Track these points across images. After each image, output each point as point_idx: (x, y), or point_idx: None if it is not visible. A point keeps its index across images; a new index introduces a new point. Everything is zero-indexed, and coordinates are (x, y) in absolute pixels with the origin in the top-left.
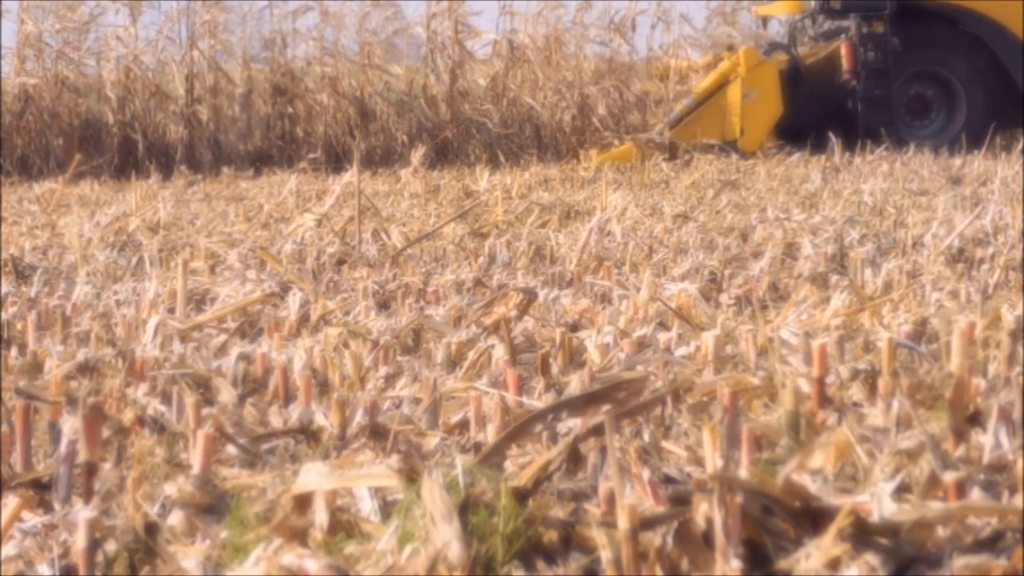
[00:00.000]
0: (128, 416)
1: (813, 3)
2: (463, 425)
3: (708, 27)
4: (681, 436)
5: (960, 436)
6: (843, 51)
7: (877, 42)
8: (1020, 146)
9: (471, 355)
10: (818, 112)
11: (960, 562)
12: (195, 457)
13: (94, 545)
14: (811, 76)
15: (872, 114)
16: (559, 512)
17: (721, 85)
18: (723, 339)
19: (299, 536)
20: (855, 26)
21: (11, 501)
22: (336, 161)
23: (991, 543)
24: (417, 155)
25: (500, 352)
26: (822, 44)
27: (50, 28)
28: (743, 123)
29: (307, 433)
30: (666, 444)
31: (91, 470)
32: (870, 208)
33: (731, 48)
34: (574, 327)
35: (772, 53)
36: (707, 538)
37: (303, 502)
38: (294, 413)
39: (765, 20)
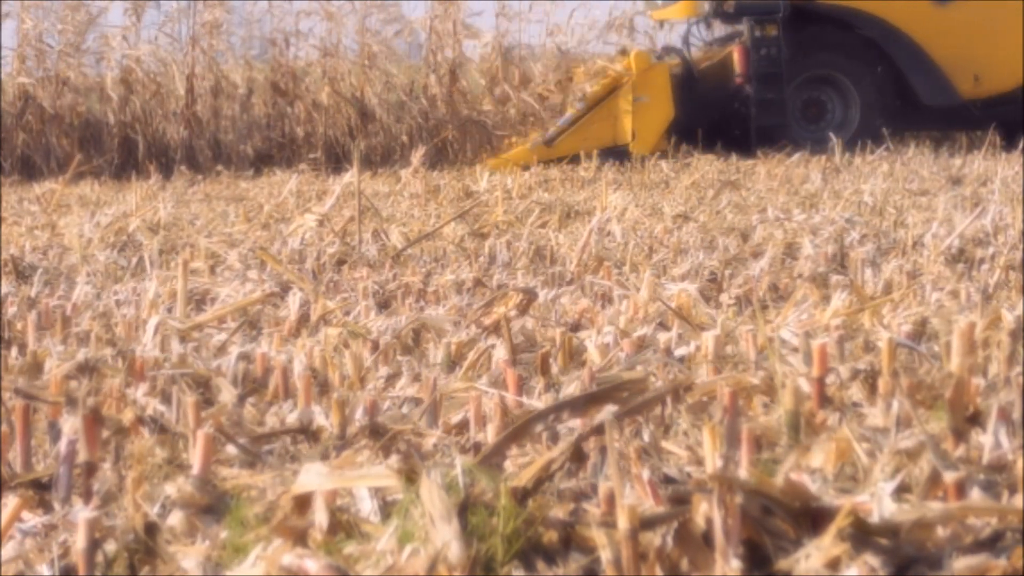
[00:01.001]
0: (128, 416)
1: (707, 7)
2: (463, 425)
3: (608, 31)
4: (681, 436)
5: (960, 436)
6: (735, 55)
7: (770, 46)
8: (1020, 146)
9: (471, 355)
10: (713, 116)
11: (960, 562)
12: (195, 457)
13: (94, 545)
14: (706, 80)
15: (765, 117)
16: (559, 512)
17: (613, 89)
18: (723, 339)
19: (299, 536)
20: (748, 30)
21: (11, 501)
22: (336, 161)
23: (991, 543)
24: (417, 155)
25: (500, 352)
26: (717, 48)
27: (51, 28)
28: (635, 126)
29: (307, 433)
30: (666, 444)
31: (91, 470)
32: (870, 208)
33: (624, 52)
34: (574, 327)
35: (666, 57)
36: (707, 538)
37: (303, 502)
38: (294, 413)
39: (663, 24)
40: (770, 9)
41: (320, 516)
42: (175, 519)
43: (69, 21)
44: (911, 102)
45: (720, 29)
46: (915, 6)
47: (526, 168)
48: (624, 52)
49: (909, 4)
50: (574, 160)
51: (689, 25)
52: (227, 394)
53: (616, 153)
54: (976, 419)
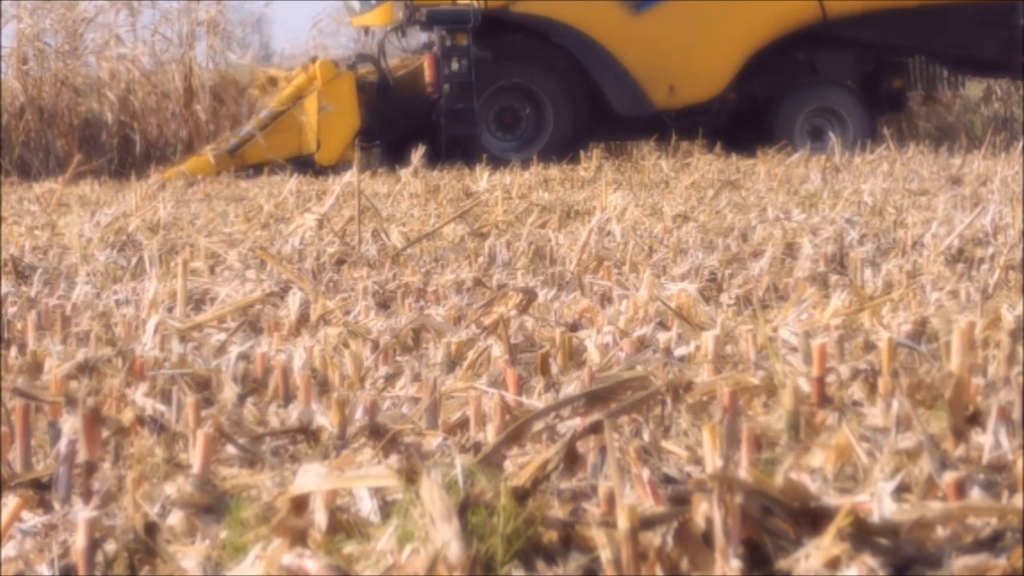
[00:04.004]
0: (128, 416)
1: (402, 14)
2: (463, 425)
3: (309, 38)
4: (681, 436)
5: (960, 436)
6: (426, 64)
7: (460, 55)
8: (1020, 146)
9: (471, 355)
10: (408, 124)
11: (960, 562)
12: (195, 457)
13: (94, 545)
14: (400, 88)
15: (455, 126)
16: (559, 512)
17: (297, 98)
18: (723, 339)
19: (298, 536)
20: (438, 39)
21: (11, 501)
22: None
23: (991, 543)
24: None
25: (500, 352)
26: (412, 56)
27: (49, 28)
28: (320, 136)
29: (307, 433)
30: (666, 444)
31: (91, 470)
32: (870, 208)
33: (314, 60)
34: (574, 327)
35: (360, 65)
36: (707, 538)
37: (302, 502)
38: (294, 413)
39: (366, 31)
40: (461, 18)
41: (320, 516)
42: (175, 519)
43: (67, 21)
44: (605, 112)
45: (418, 37)
46: (610, 16)
47: (217, 175)
48: (314, 60)
49: (604, 14)
50: (573, 160)
51: (385, 32)
52: (227, 394)
53: (302, 163)
54: (976, 419)
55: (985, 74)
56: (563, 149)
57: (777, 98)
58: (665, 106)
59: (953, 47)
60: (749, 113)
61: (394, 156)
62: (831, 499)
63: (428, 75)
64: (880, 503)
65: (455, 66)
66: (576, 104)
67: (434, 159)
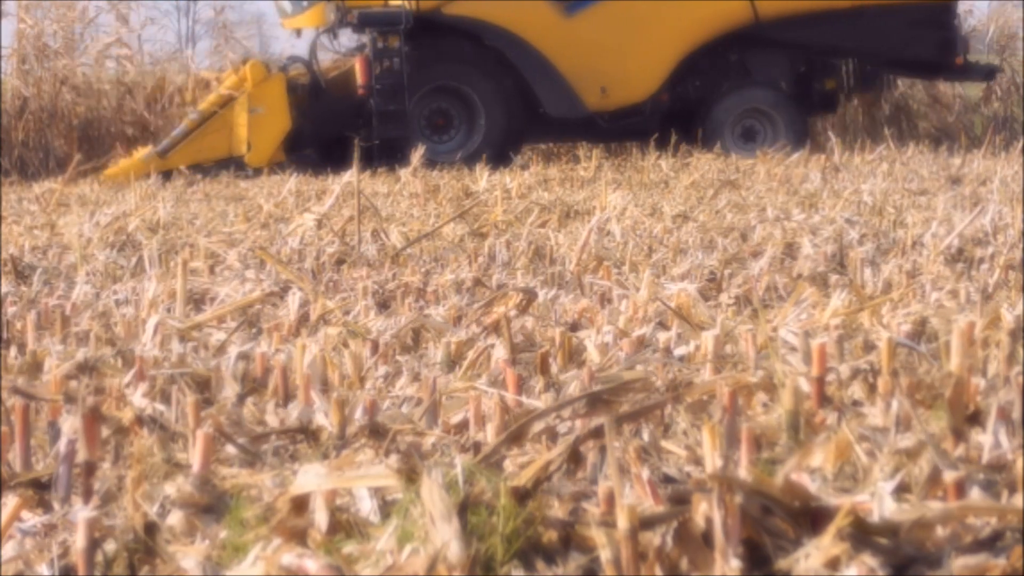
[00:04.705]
0: (127, 416)
1: (333, 16)
2: (463, 425)
3: (245, 40)
4: (680, 436)
5: (959, 436)
6: (358, 66)
7: (392, 57)
8: (1020, 146)
9: (471, 355)
10: (340, 126)
11: (960, 562)
12: (194, 457)
13: (93, 545)
14: (332, 90)
15: (387, 128)
16: (559, 512)
17: (228, 100)
18: (723, 339)
19: (298, 536)
20: (370, 41)
21: (11, 501)
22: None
23: (991, 543)
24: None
25: (500, 352)
26: (344, 58)
27: (49, 28)
28: (250, 138)
29: (307, 433)
30: (665, 444)
31: (90, 470)
32: (870, 208)
33: (245, 62)
34: (574, 327)
35: (291, 67)
36: (706, 538)
37: (302, 502)
38: (293, 413)
39: (299, 33)
40: (393, 20)
41: (320, 516)
42: (175, 519)
43: (66, 20)
44: (537, 114)
45: (350, 39)
46: (542, 18)
47: (147, 176)
48: (246, 62)
49: (536, 16)
50: (573, 160)
51: (317, 34)
52: (226, 394)
53: (234, 164)
54: (976, 419)
55: (920, 75)
56: (495, 151)
57: (709, 99)
58: (598, 108)
59: (886, 48)
60: (682, 114)
61: (327, 158)
62: (831, 499)
63: (360, 77)
64: (880, 503)
65: (387, 68)
66: (508, 106)
67: (366, 161)
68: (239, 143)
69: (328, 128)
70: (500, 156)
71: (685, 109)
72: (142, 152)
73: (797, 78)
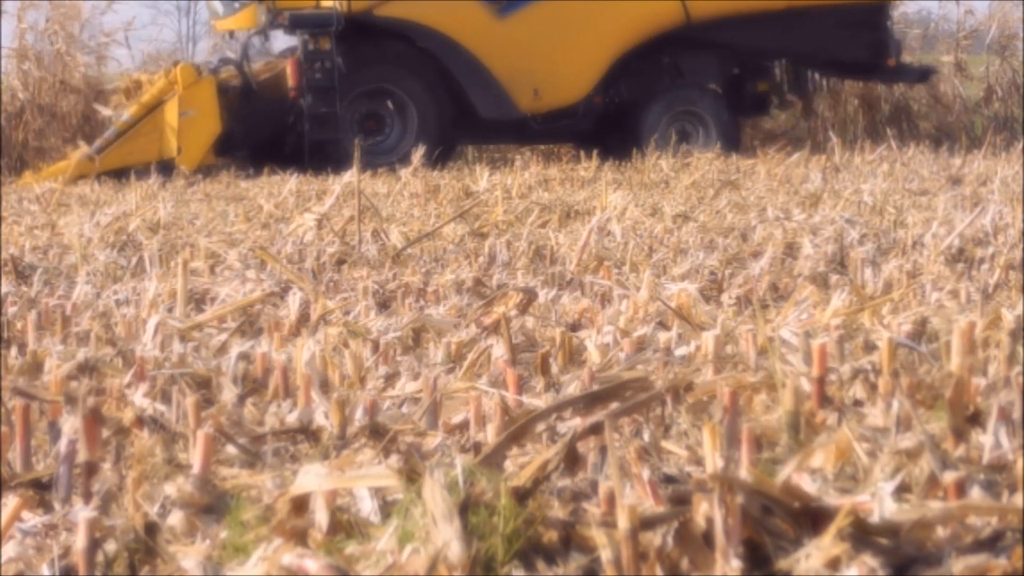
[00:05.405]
0: (128, 416)
1: (265, 18)
2: (463, 425)
3: (178, 42)
4: (681, 436)
5: (960, 436)
6: (289, 68)
7: (323, 59)
8: (1020, 146)
9: (471, 355)
10: (271, 129)
11: (960, 562)
12: (195, 457)
13: (94, 545)
14: (264, 93)
15: (318, 131)
16: (559, 512)
17: (159, 103)
18: (723, 339)
19: (299, 536)
20: (301, 43)
21: (11, 501)
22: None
23: (991, 543)
24: (417, 155)
25: (500, 352)
26: (275, 60)
27: (49, 28)
28: (180, 141)
29: (307, 433)
30: (666, 444)
31: (91, 470)
32: (870, 208)
33: (176, 64)
34: (574, 327)
35: (223, 69)
36: (707, 538)
37: (303, 502)
38: (294, 413)
39: (231, 34)
40: (324, 22)
41: (320, 516)
42: (175, 519)
43: (67, 20)
44: (471, 116)
45: (281, 41)
46: (474, 19)
47: (76, 180)
48: (176, 64)
49: (468, 17)
50: (573, 159)
51: (249, 36)
52: (227, 394)
53: (164, 167)
54: (976, 419)
55: (853, 76)
56: (428, 154)
57: (642, 101)
58: (530, 110)
59: (819, 50)
60: (615, 116)
61: (259, 161)
62: (831, 499)
63: (291, 79)
64: (880, 503)
65: (318, 70)
66: (441, 108)
67: (298, 164)
68: (170, 146)
69: (260, 131)
70: (432, 158)
71: (618, 111)
72: (73, 155)
73: (730, 80)
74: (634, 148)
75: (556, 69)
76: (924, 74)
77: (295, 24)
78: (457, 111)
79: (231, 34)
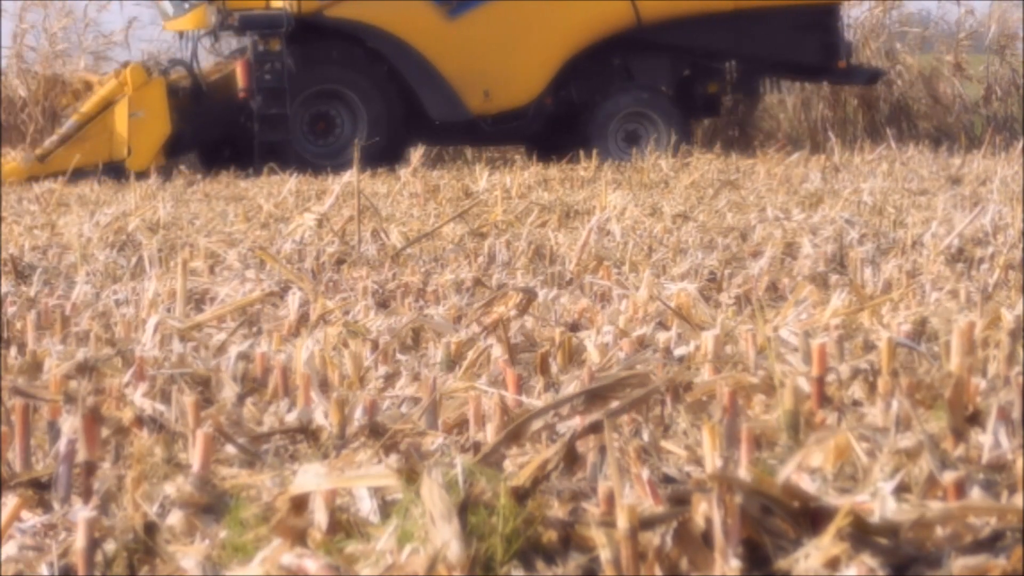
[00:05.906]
0: (127, 416)
1: (214, 19)
2: (463, 425)
3: (127, 42)
4: (680, 436)
5: (960, 436)
6: (239, 69)
7: (273, 60)
8: (1020, 146)
9: (470, 355)
10: (222, 130)
11: (960, 562)
12: (194, 457)
13: (93, 545)
14: (214, 94)
15: (268, 132)
16: (558, 512)
17: (108, 104)
18: (723, 339)
19: (298, 536)
20: (251, 44)
21: (10, 501)
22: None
23: (991, 543)
24: (417, 155)
25: (499, 351)
26: (226, 61)
27: (49, 27)
28: (130, 143)
29: (306, 433)
30: (665, 444)
31: (90, 470)
32: (870, 208)
33: (125, 65)
34: (574, 327)
35: (172, 70)
36: (706, 538)
37: (302, 502)
38: (293, 413)
39: (181, 35)
40: (274, 23)
41: (320, 516)
42: (174, 519)
43: (67, 20)
44: (421, 117)
45: (231, 42)
46: (425, 21)
47: (31, 180)
48: (126, 65)
49: (418, 18)
50: (572, 160)
51: (198, 37)
52: (226, 394)
53: (113, 169)
54: (976, 419)
55: (803, 78)
56: (377, 156)
57: (593, 103)
58: (481, 112)
59: (770, 51)
60: (565, 118)
61: (209, 162)
62: (830, 499)
63: (241, 80)
64: (880, 503)
65: (268, 71)
66: (391, 110)
67: (247, 165)
68: (119, 147)
69: (209, 132)
70: (382, 159)
71: (569, 113)
72: (16, 156)
73: (680, 81)
74: (582, 150)
75: (507, 70)
76: (874, 76)
77: (245, 25)
78: (407, 112)
79: (180, 35)
